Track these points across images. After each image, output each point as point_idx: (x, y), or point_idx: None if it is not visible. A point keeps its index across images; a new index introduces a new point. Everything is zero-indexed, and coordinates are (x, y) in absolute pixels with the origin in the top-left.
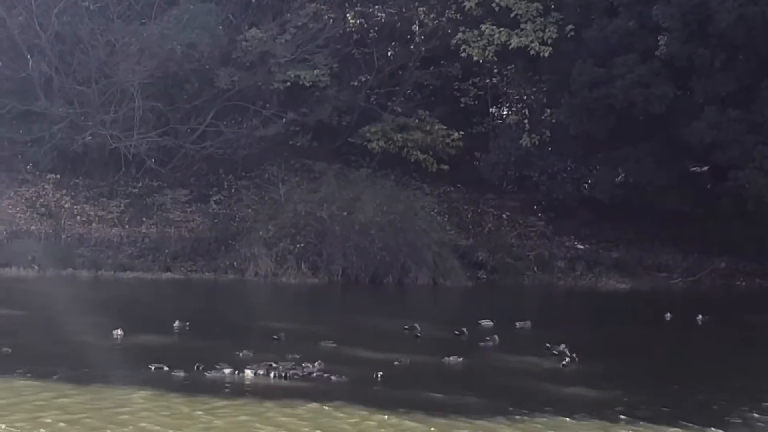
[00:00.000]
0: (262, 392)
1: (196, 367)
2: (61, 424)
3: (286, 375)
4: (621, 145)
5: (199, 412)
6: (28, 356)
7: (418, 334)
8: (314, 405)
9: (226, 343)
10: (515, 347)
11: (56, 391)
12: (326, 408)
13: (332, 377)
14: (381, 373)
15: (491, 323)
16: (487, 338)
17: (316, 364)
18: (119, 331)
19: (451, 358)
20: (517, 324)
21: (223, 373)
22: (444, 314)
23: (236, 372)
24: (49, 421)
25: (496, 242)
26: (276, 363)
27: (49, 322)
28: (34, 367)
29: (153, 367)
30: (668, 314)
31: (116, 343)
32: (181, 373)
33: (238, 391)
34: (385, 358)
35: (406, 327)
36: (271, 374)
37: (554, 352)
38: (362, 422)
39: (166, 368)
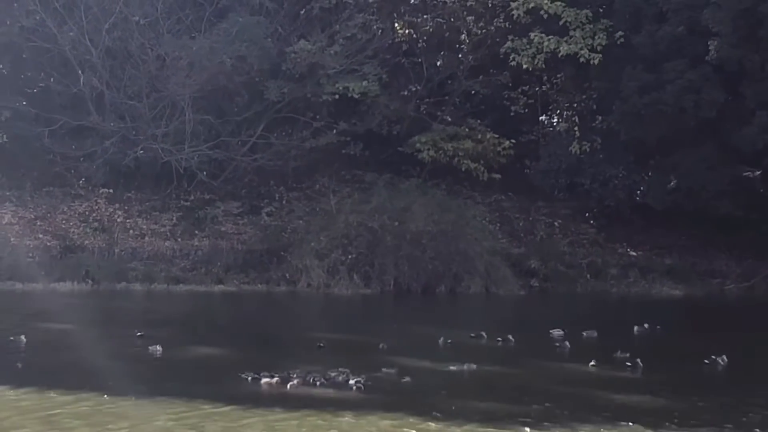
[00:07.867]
0: (325, 402)
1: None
2: None
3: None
4: (672, 151)
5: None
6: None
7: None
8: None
9: (278, 353)
10: (588, 356)
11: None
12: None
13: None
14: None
15: (562, 332)
16: (557, 345)
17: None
18: (158, 347)
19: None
20: (584, 333)
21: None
22: (502, 322)
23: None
24: None
25: (548, 250)
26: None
27: (94, 337)
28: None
29: (249, 378)
30: None
31: (155, 357)
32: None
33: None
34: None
35: (472, 335)
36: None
37: (706, 361)
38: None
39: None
